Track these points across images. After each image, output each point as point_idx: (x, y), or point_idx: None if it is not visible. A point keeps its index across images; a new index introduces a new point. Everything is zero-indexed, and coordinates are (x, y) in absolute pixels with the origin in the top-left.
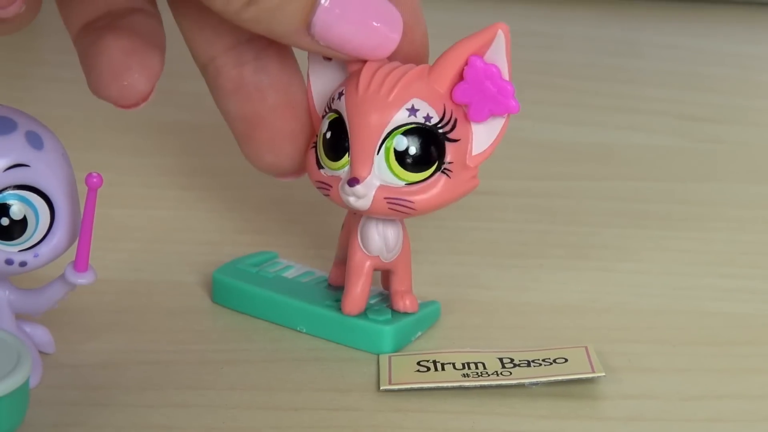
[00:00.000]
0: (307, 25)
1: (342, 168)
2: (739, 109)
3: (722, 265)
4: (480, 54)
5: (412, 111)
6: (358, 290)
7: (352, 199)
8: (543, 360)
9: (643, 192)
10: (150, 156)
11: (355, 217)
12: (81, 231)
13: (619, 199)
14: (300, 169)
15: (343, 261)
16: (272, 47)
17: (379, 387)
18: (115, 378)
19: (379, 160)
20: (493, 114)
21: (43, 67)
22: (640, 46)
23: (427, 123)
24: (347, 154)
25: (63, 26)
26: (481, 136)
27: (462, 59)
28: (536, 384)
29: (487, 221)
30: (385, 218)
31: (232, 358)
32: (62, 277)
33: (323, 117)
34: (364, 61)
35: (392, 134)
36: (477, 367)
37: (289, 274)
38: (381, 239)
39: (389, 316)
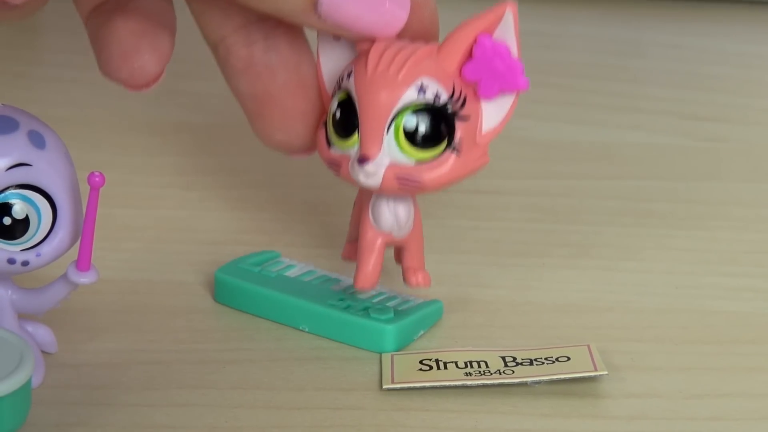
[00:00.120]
0: (315, 4)
1: (352, 146)
2: (741, 108)
3: (725, 263)
4: (489, 32)
5: (421, 89)
6: (370, 267)
7: (362, 177)
8: (545, 359)
9: (645, 191)
10: (152, 156)
11: (366, 195)
12: (83, 230)
13: (621, 198)
14: (310, 147)
15: (355, 239)
16: (282, 26)
17: (381, 386)
18: (118, 377)
19: (389, 138)
20: (502, 91)
21: (45, 67)
22: (643, 45)
23: (437, 101)
24: (357, 133)
25: (65, 26)
26: (491, 114)
27: (470, 38)
28: (539, 383)
29: (490, 220)
30: (396, 195)
31: (234, 358)
32: (64, 276)
33: (333, 96)
34: (373, 40)
35: (402, 113)
36: (479, 366)
37: (292, 273)
38: (392, 216)
39: (392, 315)
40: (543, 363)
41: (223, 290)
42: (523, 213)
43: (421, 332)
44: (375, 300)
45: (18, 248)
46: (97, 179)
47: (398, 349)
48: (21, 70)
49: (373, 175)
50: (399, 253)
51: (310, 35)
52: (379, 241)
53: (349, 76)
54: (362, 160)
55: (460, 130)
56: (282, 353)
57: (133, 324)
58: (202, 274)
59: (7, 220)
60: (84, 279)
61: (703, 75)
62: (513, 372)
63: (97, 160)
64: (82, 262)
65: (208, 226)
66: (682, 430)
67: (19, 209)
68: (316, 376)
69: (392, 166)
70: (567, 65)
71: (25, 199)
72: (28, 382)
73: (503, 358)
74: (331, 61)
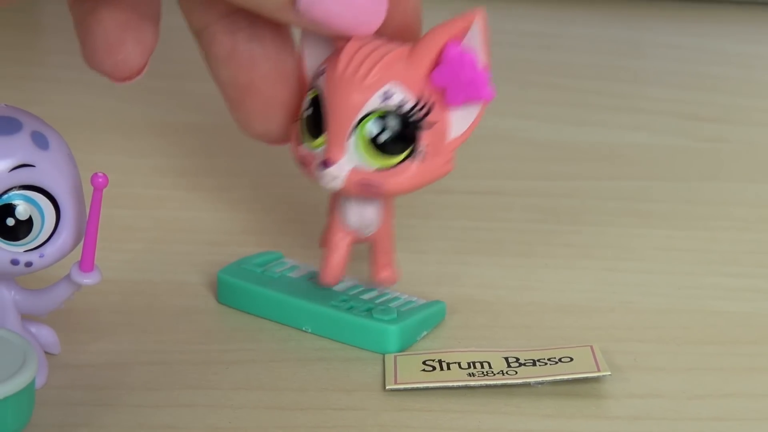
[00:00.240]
0: (293, 1)
1: (319, 147)
2: (742, 108)
3: (727, 264)
4: (458, 39)
5: (387, 96)
6: (335, 262)
7: (325, 180)
8: (548, 359)
9: (647, 191)
10: (155, 157)
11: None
12: (86, 231)
13: (623, 199)
14: (290, 137)
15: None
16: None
17: (384, 386)
18: (121, 378)
19: (352, 143)
20: (468, 100)
21: (47, 68)
22: (643, 45)
23: (401, 109)
24: (324, 135)
25: (66, 27)
26: (459, 121)
27: (440, 44)
28: (542, 383)
29: (492, 221)
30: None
31: (237, 358)
32: (68, 277)
33: (308, 90)
34: (349, 38)
35: (366, 118)
36: (482, 367)
37: (295, 274)
38: (358, 216)
39: (395, 315)
40: (546, 363)
41: (226, 291)
42: (525, 214)
43: (424, 333)
44: (378, 301)
45: (21, 249)
46: (100, 180)
47: (401, 350)
48: (23, 71)
49: (335, 178)
50: (370, 249)
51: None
52: (345, 239)
53: (321, 74)
54: (325, 163)
55: (424, 137)
56: (285, 354)
57: (136, 325)
58: (204, 274)
59: (10, 221)
60: (87, 280)
61: (704, 75)
62: (516, 373)
63: (99, 161)
64: (86, 263)
65: (211, 226)
66: (684, 430)
67: (22, 210)
68: (319, 377)
69: (354, 170)
70: (568, 66)
71: (28, 200)
72: (32, 383)
73: (506, 359)
74: (313, 52)
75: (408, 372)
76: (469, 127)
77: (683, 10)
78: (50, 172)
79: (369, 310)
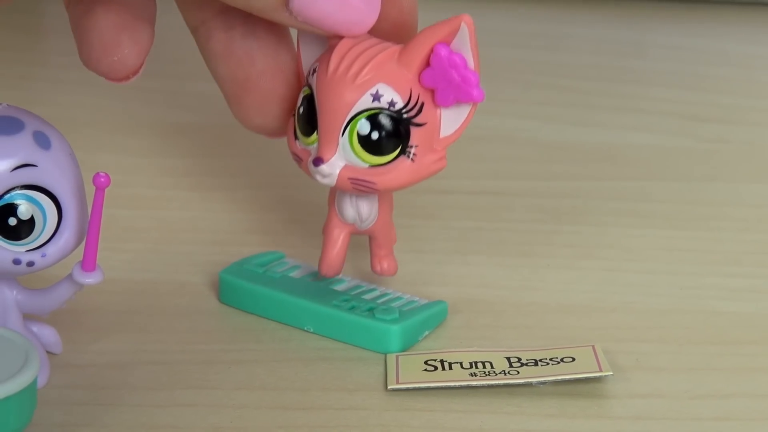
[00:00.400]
0: (286, 2)
1: (313, 143)
2: (744, 109)
3: (728, 264)
4: (447, 42)
5: (376, 96)
6: (333, 254)
7: (318, 177)
8: (550, 359)
9: (648, 192)
10: (157, 157)
11: None
12: (88, 231)
13: (624, 199)
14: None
15: None
16: None
17: (386, 386)
18: (122, 378)
19: (344, 141)
20: (458, 101)
21: (49, 69)
22: (645, 46)
23: (392, 108)
24: (317, 132)
25: (68, 28)
26: (450, 120)
27: (430, 45)
28: (544, 383)
29: (494, 221)
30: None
31: (239, 358)
32: (70, 276)
33: (302, 88)
34: (342, 37)
35: (357, 117)
36: (484, 367)
37: (296, 274)
38: (354, 210)
39: (396, 315)
40: (548, 363)
41: (228, 291)
42: (527, 214)
43: (426, 333)
44: (380, 301)
45: (23, 249)
46: (102, 180)
47: (403, 350)
48: (25, 71)
49: (327, 175)
50: (369, 241)
51: None
52: (343, 232)
53: (313, 73)
54: (317, 161)
55: (415, 136)
56: (287, 354)
57: (138, 324)
58: (206, 274)
59: (12, 221)
60: (89, 279)
61: (707, 76)
62: (518, 372)
63: (101, 161)
64: (88, 263)
65: (213, 226)
66: (687, 431)
67: (24, 210)
68: (320, 377)
69: (347, 168)
70: (570, 67)
71: (30, 199)
72: (34, 383)
73: (508, 359)
74: (310, 47)
75: (410, 372)
76: (461, 125)
77: (685, 11)
78: (52, 171)
79: (371, 310)
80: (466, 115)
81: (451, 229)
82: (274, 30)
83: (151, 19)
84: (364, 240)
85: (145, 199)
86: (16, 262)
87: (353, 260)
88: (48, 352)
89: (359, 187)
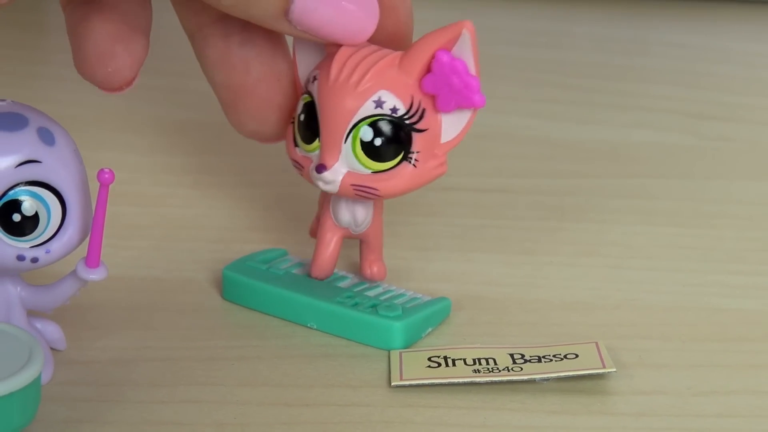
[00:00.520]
0: (286, 11)
1: (314, 150)
2: (746, 106)
3: (731, 261)
4: (448, 48)
5: (379, 103)
6: (325, 257)
7: (320, 184)
8: (553, 356)
9: (651, 189)
10: (160, 155)
11: None
12: (92, 227)
13: (627, 197)
14: (283, 136)
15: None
16: None
17: (390, 383)
18: (126, 374)
19: (347, 148)
20: (459, 106)
21: (52, 67)
22: (648, 44)
23: (394, 115)
24: (318, 139)
25: None
26: (450, 125)
27: (431, 51)
28: (547, 379)
29: (497, 219)
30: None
31: (242, 355)
32: (74, 273)
33: (302, 94)
34: (340, 45)
35: (359, 124)
36: (488, 363)
37: (299, 270)
38: (350, 215)
39: (400, 312)
40: (551, 360)
41: (231, 288)
42: (530, 211)
43: (429, 329)
44: (383, 297)
45: (27, 245)
46: (106, 176)
47: (406, 346)
48: (28, 69)
49: (330, 182)
50: (360, 245)
51: None
52: (336, 236)
53: (314, 80)
54: (320, 168)
55: (417, 142)
56: (290, 350)
57: (142, 321)
58: (209, 271)
59: (16, 217)
60: (93, 276)
61: (709, 74)
62: (521, 369)
63: (104, 158)
64: (92, 259)
65: (216, 223)
66: (689, 427)
67: (28, 206)
68: (324, 373)
69: (349, 174)
70: (573, 65)
71: (34, 195)
72: (38, 379)
73: (511, 355)
74: (306, 55)
75: (413, 368)
76: (462, 130)
77: (688, 9)
78: (56, 168)
79: (374, 307)
80: (466, 121)
81: (454, 226)
82: (271, 38)
83: (147, 31)
84: None
85: (148, 197)
86: (20, 258)
87: (354, 258)
88: (52, 348)
89: (361, 194)
